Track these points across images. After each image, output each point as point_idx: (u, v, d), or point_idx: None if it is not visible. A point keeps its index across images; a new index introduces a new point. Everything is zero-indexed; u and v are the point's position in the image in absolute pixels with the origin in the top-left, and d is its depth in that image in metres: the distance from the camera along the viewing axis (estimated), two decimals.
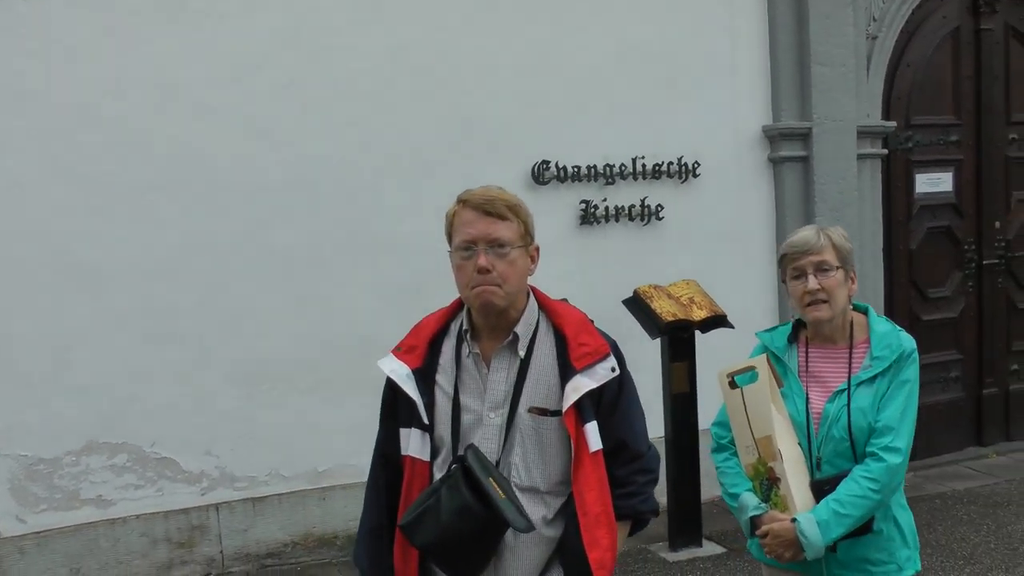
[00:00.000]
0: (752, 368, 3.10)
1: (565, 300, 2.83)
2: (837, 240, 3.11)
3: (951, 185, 8.36)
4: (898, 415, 2.99)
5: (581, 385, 2.56)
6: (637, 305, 6.17)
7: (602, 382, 2.59)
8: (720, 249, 7.14)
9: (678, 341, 6.16)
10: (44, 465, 5.75)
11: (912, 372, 3.06)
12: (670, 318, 6.00)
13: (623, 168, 6.79)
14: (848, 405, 3.03)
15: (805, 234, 3.13)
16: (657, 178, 6.90)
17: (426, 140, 6.29)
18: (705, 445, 6.80)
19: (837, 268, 3.07)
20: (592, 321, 2.73)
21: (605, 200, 6.75)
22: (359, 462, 6.11)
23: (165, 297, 5.85)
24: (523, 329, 2.66)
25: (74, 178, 5.67)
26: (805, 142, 7.35)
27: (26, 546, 5.71)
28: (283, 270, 6.04)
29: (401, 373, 2.70)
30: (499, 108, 6.47)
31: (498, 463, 2.58)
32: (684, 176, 6.99)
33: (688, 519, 6.35)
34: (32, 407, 5.71)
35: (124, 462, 5.86)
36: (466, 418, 2.63)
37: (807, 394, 3.14)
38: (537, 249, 2.73)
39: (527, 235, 2.68)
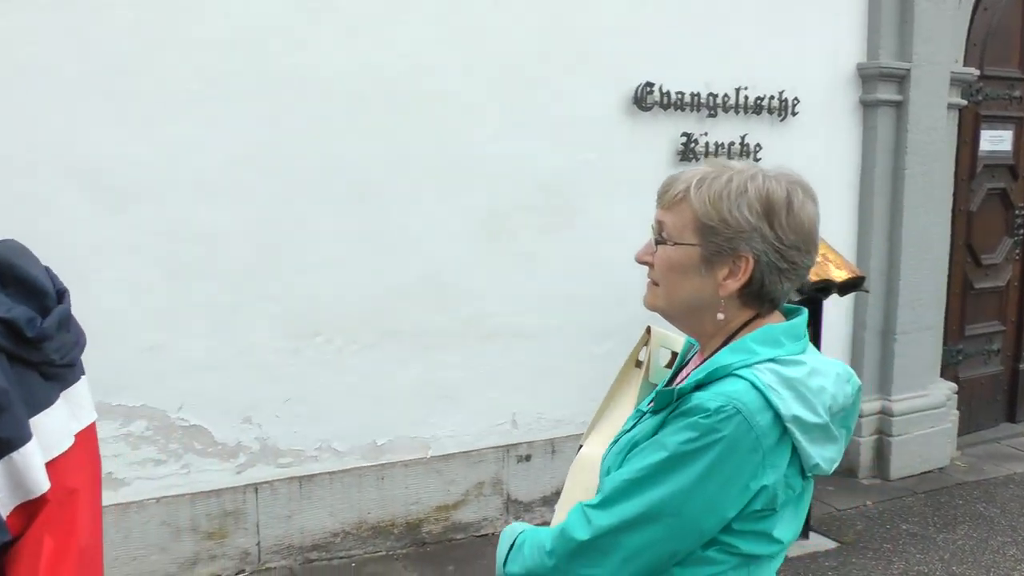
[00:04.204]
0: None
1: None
2: (700, 197, 1.66)
3: (1010, 144, 7.53)
4: (621, 479, 1.61)
5: None
6: None
7: None
8: None
9: (804, 304, 5.09)
10: None
11: (677, 437, 1.57)
12: (813, 277, 4.92)
13: (726, 99, 5.62)
14: (628, 431, 1.76)
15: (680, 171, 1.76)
16: (758, 113, 5.75)
17: (518, 49, 5.01)
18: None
19: (671, 243, 1.70)
20: None
21: (706, 134, 5.58)
22: (424, 434, 4.92)
23: (202, 221, 4.37)
24: None
25: (95, 67, 4.22)
26: (901, 85, 6.29)
27: None
28: (349, 195, 4.63)
29: None
30: (600, 21, 5.22)
31: None
32: (783, 113, 5.86)
33: None
34: None
35: (142, 431, 4.41)
36: None
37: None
38: None
39: None
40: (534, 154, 5.03)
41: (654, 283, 1.76)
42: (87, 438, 1.59)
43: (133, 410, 4.40)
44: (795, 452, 1.58)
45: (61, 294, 1.61)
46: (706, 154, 5.56)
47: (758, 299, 1.70)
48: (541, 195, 5.08)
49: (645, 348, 2.04)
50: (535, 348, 5.14)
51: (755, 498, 1.56)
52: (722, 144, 5.61)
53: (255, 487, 4.64)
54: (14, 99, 4.07)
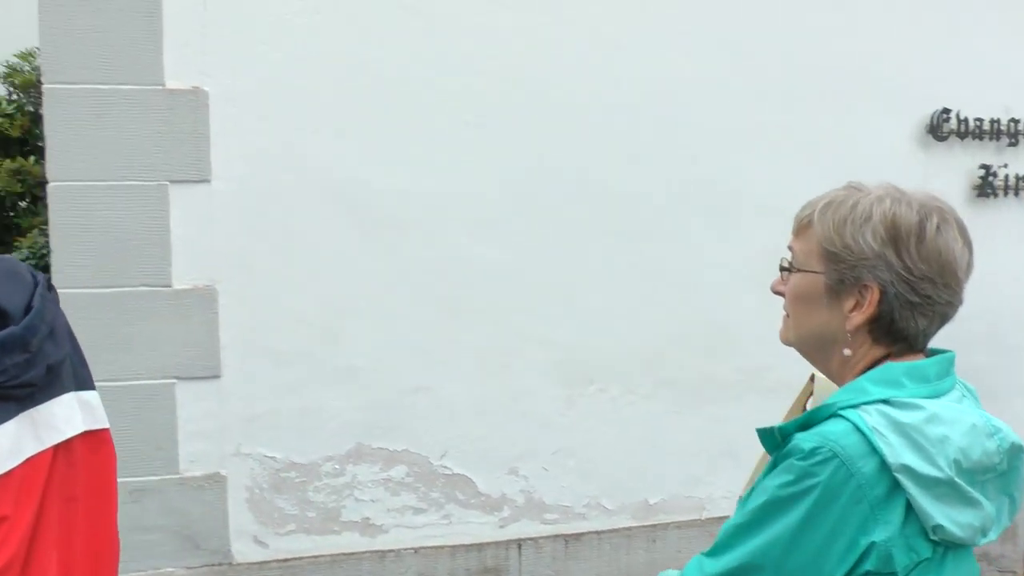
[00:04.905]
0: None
1: None
2: (824, 222, 1.55)
3: None
4: (729, 524, 1.51)
5: None
6: None
7: None
8: None
9: None
10: (297, 472, 4.09)
11: (775, 480, 1.44)
12: None
13: None
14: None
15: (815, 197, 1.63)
16: None
17: (802, 78, 4.55)
18: None
19: (797, 270, 1.61)
20: None
21: (1006, 166, 5.00)
22: (699, 494, 4.49)
23: (473, 257, 4.10)
24: None
25: (365, 95, 4.01)
26: None
27: None
28: (627, 231, 4.27)
29: None
30: (891, 43, 4.70)
31: None
32: None
33: None
34: (286, 393, 4.05)
35: (403, 476, 4.17)
36: None
37: None
38: None
39: None
40: (823, 189, 4.55)
41: (786, 315, 1.65)
42: (58, 458, 1.52)
43: (394, 455, 4.16)
44: (913, 510, 1.38)
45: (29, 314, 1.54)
46: (1005, 189, 4.98)
47: (889, 336, 1.53)
48: None
49: (811, 398, 1.85)
50: None
51: (864, 557, 1.38)
52: (1023, 177, 5.01)
53: (518, 543, 4.32)
54: (277, 128, 3.96)
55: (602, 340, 4.29)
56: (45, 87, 3.95)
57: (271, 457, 4.06)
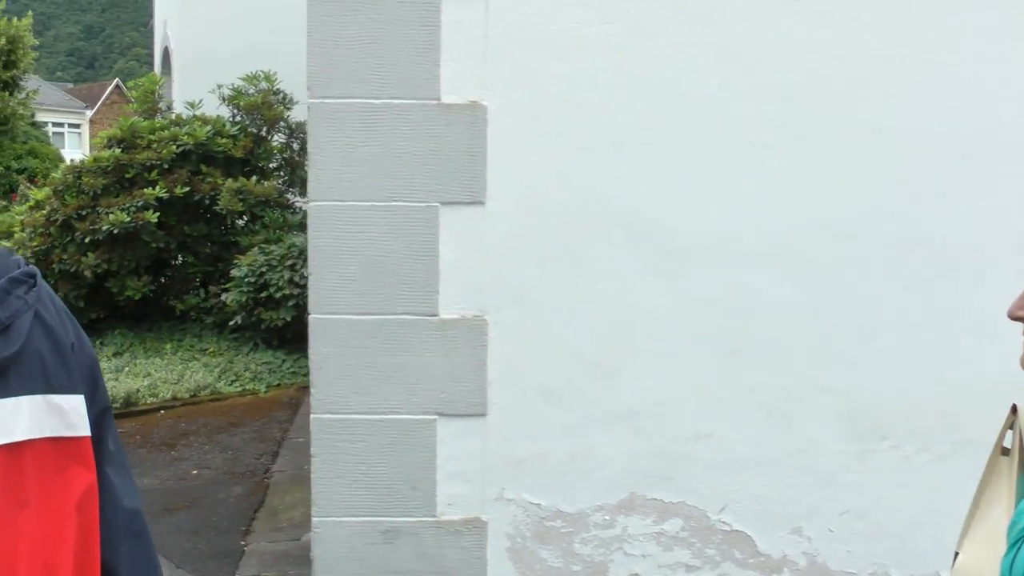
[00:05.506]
0: None
1: None
2: None
3: None
4: None
5: None
6: None
7: None
8: None
9: None
10: (562, 521, 3.78)
11: None
12: None
13: None
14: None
15: None
16: None
17: None
18: None
19: None
20: None
21: None
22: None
23: (760, 293, 3.76)
24: None
25: (651, 115, 3.71)
26: None
27: None
28: (926, 271, 3.88)
29: None
30: None
31: None
32: None
33: None
34: (557, 435, 3.75)
35: (677, 530, 3.82)
36: None
37: None
38: None
39: None
40: None
41: None
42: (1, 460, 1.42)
43: (669, 507, 3.82)
44: None
45: None
46: None
47: None
48: None
49: (1010, 432, 1.77)
50: None
51: None
52: None
53: None
54: (559, 147, 3.71)
55: (897, 391, 3.89)
56: (311, 102, 3.77)
57: (536, 504, 3.77)
